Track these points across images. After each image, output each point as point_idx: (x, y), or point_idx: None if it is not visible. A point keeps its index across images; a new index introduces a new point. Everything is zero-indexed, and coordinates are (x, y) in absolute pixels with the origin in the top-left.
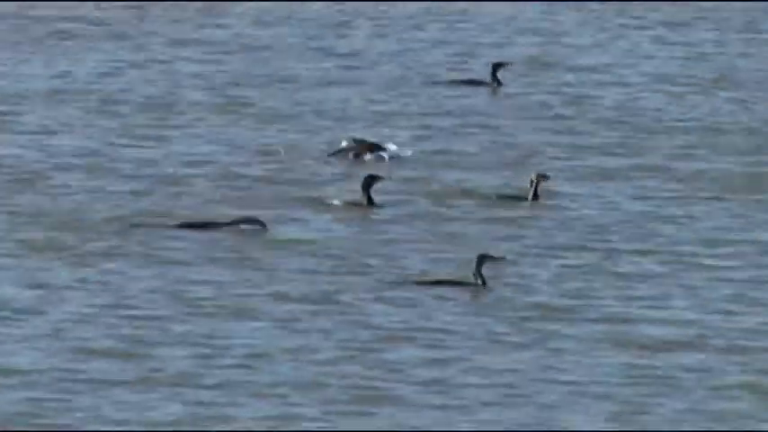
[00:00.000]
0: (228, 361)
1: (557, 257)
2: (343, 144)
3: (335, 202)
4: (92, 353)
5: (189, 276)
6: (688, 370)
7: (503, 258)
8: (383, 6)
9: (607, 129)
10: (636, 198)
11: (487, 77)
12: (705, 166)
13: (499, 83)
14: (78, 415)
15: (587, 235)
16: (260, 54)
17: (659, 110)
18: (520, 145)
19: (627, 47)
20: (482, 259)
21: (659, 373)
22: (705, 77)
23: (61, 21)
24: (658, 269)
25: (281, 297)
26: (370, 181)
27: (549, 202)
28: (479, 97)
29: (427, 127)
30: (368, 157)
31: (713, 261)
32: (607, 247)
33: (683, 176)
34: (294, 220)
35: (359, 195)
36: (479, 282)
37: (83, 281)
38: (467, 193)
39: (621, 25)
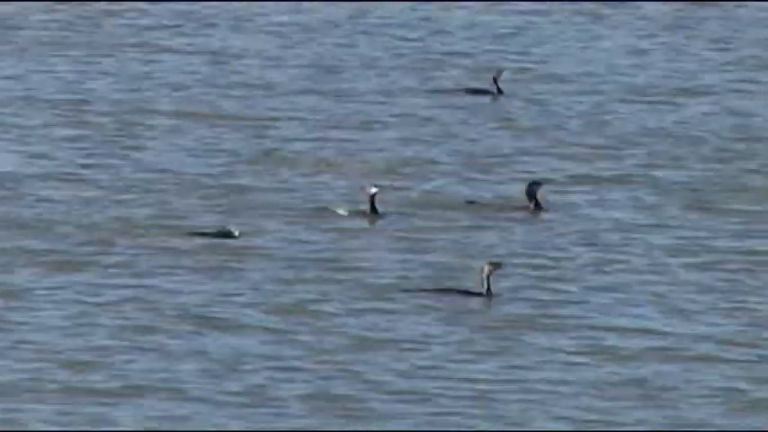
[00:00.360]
0: (198, 370)
1: (530, 267)
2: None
3: (340, 211)
4: (59, 362)
5: (163, 285)
6: (659, 378)
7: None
8: (356, 14)
9: (581, 138)
10: (609, 207)
11: (487, 85)
12: (677, 175)
13: (500, 91)
14: (43, 424)
15: (560, 244)
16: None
17: (632, 119)
18: (500, 153)
19: (601, 55)
20: (494, 267)
21: (631, 381)
22: (677, 86)
23: (35, 27)
24: (631, 278)
25: (255, 306)
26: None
27: (521, 213)
28: (469, 105)
29: (424, 135)
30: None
31: (685, 269)
32: (580, 255)
33: (655, 185)
34: (284, 229)
35: (364, 205)
36: (486, 290)
37: (54, 289)
38: (469, 203)
39: (595, 34)
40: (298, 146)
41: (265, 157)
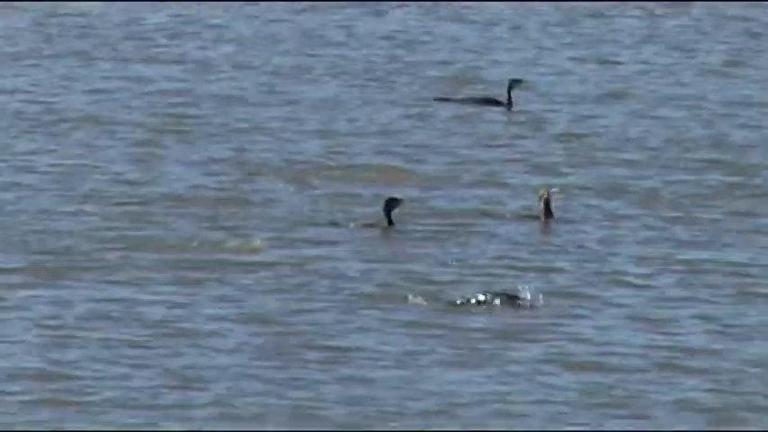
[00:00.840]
0: (164, 383)
1: (505, 276)
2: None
3: (352, 225)
4: (23, 375)
5: (140, 297)
6: (631, 389)
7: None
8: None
9: (556, 146)
10: (585, 217)
11: (499, 95)
12: (653, 184)
13: (510, 102)
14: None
15: (536, 254)
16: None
17: (604, 127)
18: (485, 163)
19: (569, 63)
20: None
21: (602, 392)
22: (648, 94)
23: (3, 35)
24: (603, 288)
25: (222, 318)
26: (391, 203)
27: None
28: (465, 114)
29: (426, 146)
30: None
31: (649, 280)
32: (551, 266)
33: (633, 194)
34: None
35: (378, 218)
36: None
37: (27, 300)
38: (484, 213)
39: (562, 43)
40: (285, 156)
41: (254, 168)
